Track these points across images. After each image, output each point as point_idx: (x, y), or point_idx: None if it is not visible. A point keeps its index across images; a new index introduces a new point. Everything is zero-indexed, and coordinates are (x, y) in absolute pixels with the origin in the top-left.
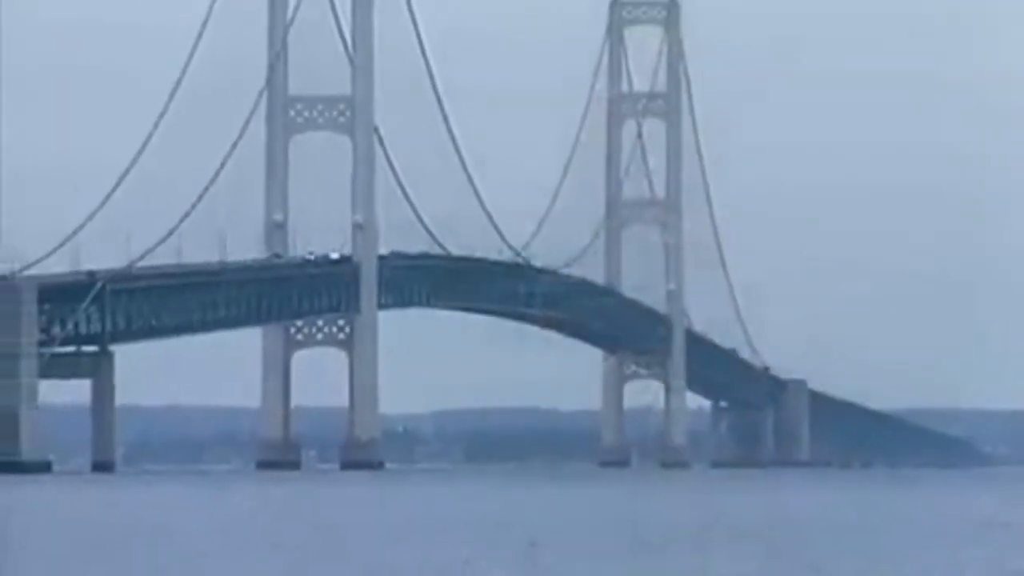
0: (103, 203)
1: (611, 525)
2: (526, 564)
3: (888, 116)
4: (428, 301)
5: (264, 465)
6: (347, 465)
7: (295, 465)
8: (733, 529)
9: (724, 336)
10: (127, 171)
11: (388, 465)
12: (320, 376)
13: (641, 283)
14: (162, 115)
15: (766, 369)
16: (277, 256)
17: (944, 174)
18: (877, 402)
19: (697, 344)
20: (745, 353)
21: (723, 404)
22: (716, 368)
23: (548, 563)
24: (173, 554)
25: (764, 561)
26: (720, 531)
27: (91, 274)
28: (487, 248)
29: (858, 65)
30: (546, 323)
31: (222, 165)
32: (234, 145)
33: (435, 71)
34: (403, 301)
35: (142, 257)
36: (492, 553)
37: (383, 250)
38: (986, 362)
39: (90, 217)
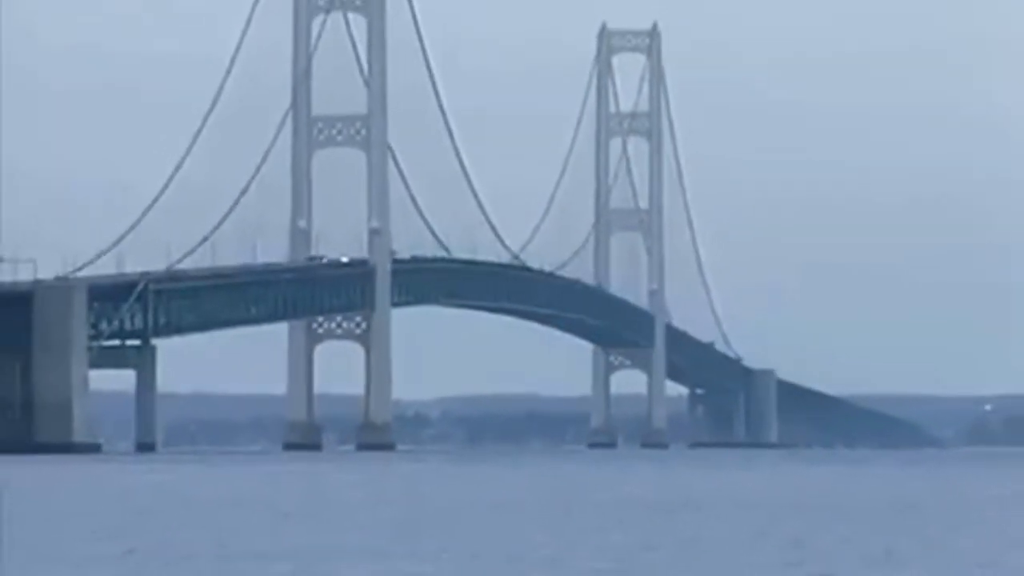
0: (146, 212)
1: (598, 500)
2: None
3: (842, 136)
4: (436, 300)
5: (289, 446)
6: (363, 446)
7: (317, 447)
8: (707, 502)
9: (701, 331)
10: (167, 183)
11: (399, 447)
12: (339, 367)
13: (626, 283)
14: (199, 133)
15: (738, 360)
16: (312, 259)
17: (900, 186)
18: (838, 389)
19: (676, 338)
20: (719, 346)
21: (699, 391)
22: (693, 359)
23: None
24: (211, 523)
25: (733, 530)
26: (694, 504)
27: (146, 275)
28: (488, 252)
29: (820, 92)
30: (541, 319)
31: (252, 178)
32: (263, 160)
33: (442, 93)
34: (414, 300)
35: (180, 260)
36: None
37: (397, 253)
38: (933, 353)
39: (134, 225)
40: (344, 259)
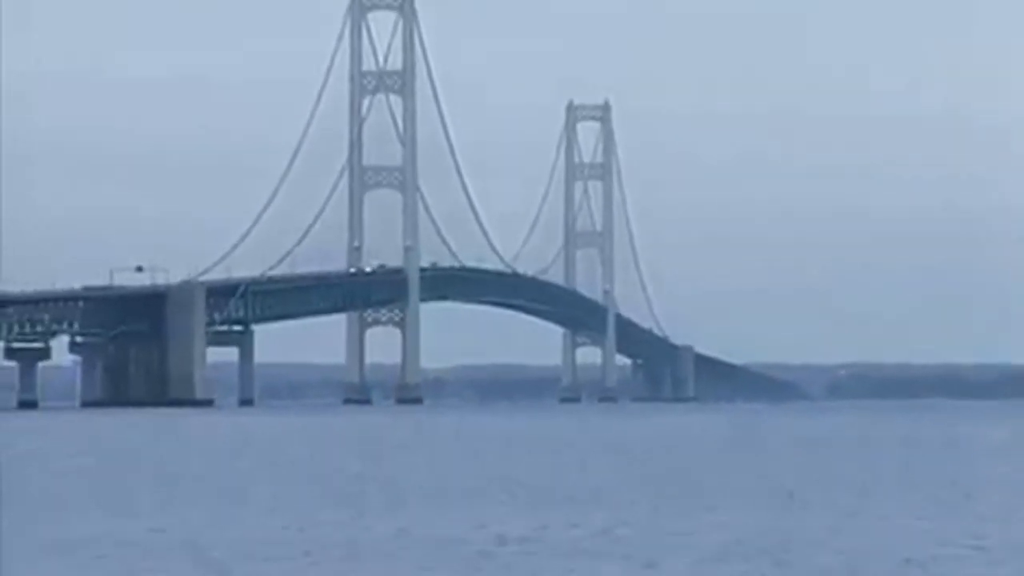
0: (245, 235)
1: (574, 436)
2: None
3: (753, 177)
4: (452, 297)
5: (347, 401)
6: (399, 401)
7: (367, 401)
8: (646, 438)
9: (640, 318)
10: (261, 214)
11: (426, 401)
12: (383, 343)
13: (588, 285)
14: (283, 178)
15: (666, 339)
16: (382, 265)
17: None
18: (738, 359)
19: (623, 324)
20: (655, 330)
21: (639, 361)
22: (635, 339)
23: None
24: (296, 451)
25: (666, 457)
26: (639, 439)
27: (246, 280)
28: (489, 262)
29: (735, 143)
30: (527, 310)
31: (321, 210)
32: (328, 198)
33: (456, 149)
34: (436, 297)
35: (270, 269)
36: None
37: (423, 263)
38: (802, 331)
39: (237, 244)
40: (367, 269)
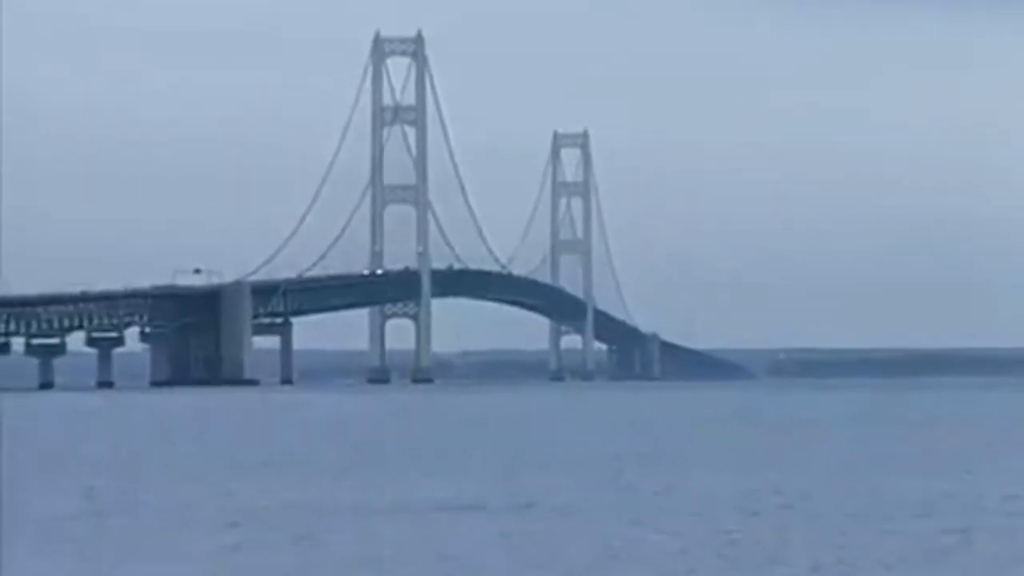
0: (285, 243)
1: (561, 407)
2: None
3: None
4: (458, 294)
5: (371, 381)
6: (414, 381)
7: (387, 381)
8: (619, 408)
9: (614, 311)
10: (297, 227)
11: (436, 381)
12: (400, 333)
13: (570, 283)
14: (316, 195)
15: (636, 328)
16: (409, 270)
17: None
18: (694, 344)
19: (600, 316)
20: (628, 320)
21: (613, 347)
22: (610, 328)
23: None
24: (330, 419)
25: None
26: (613, 409)
27: (285, 280)
28: (488, 264)
29: (698, 165)
30: (520, 305)
31: (348, 221)
32: (353, 211)
33: (460, 170)
34: (445, 294)
35: (306, 271)
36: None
37: (441, 266)
38: (746, 320)
39: (278, 251)
40: (379, 271)
